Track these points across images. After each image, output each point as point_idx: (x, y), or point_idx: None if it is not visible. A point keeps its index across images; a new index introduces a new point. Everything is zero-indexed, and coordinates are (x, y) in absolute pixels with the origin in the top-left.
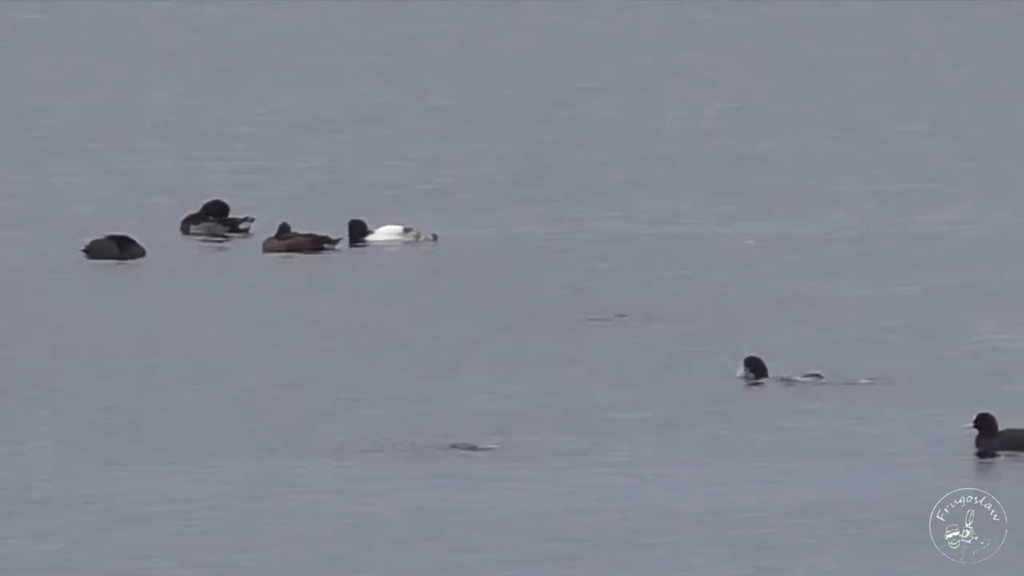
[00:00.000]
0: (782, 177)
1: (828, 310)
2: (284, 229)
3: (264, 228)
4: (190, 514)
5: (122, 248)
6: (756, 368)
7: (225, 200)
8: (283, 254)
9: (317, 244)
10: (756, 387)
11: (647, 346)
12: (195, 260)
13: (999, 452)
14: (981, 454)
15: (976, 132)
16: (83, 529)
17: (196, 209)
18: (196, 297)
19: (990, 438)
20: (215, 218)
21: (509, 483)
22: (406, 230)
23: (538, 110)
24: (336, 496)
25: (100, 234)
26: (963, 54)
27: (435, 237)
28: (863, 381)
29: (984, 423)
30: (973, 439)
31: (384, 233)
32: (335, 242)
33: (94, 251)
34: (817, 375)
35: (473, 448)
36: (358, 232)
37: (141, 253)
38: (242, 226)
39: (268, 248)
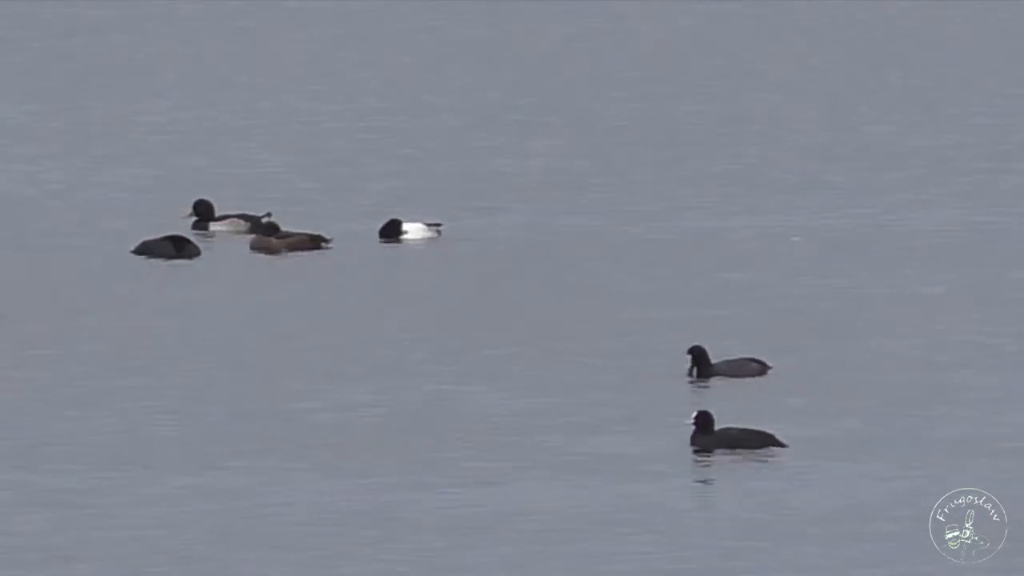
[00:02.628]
0: (829, 174)
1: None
2: (273, 227)
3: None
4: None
5: (178, 248)
6: (699, 358)
7: (209, 199)
8: (268, 252)
9: (316, 243)
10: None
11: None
12: (247, 258)
13: (714, 449)
14: (697, 450)
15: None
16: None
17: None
18: (275, 296)
19: (706, 435)
20: (230, 216)
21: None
22: (429, 226)
23: (586, 109)
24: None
25: (153, 235)
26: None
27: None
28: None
29: (701, 420)
30: (690, 436)
31: (416, 230)
32: (329, 240)
33: (149, 251)
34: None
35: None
36: (393, 230)
37: (196, 252)
38: (264, 220)
39: (260, 246)
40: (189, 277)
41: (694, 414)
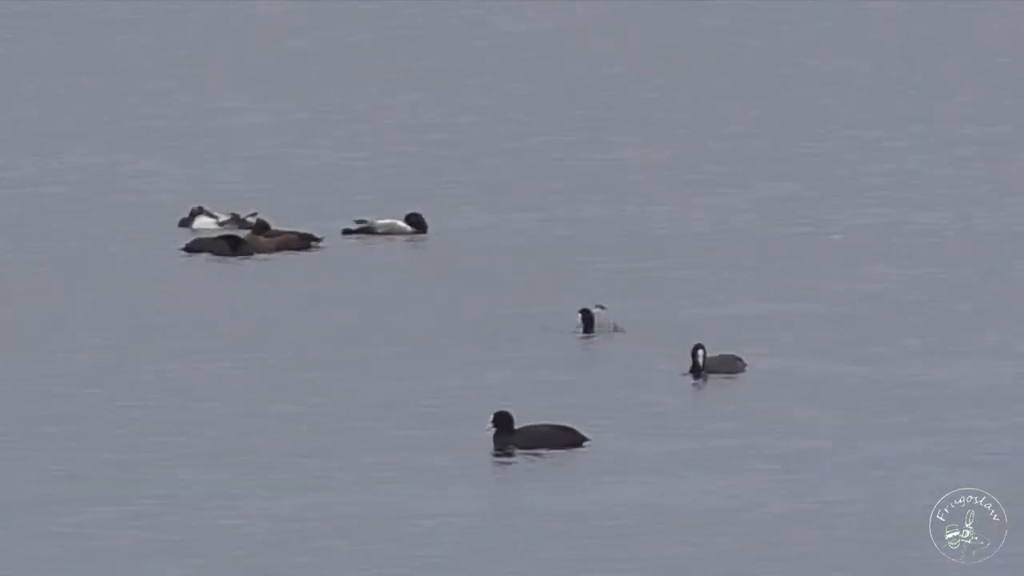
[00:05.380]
0: (864, 172)
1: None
2: (264, 226)
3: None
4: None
5: (233, 247)
6: (587, 322)
7: (204, 206)
8: (257, 251)
9: (305, 242)
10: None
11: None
12: (293, 256)
13: (515, 449)
14: (499, 451)
15: None
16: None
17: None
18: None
19: (506, 435)
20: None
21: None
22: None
23: (621, 110)
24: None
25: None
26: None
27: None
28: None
29: (501, 421)
30: (492, 437)
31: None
32: (320, 240)
33: (202, 249)
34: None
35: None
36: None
37: (251, 251)
38: (249, 219)
39: (251, 244)
40: (255, 274)
41: (491, 416)
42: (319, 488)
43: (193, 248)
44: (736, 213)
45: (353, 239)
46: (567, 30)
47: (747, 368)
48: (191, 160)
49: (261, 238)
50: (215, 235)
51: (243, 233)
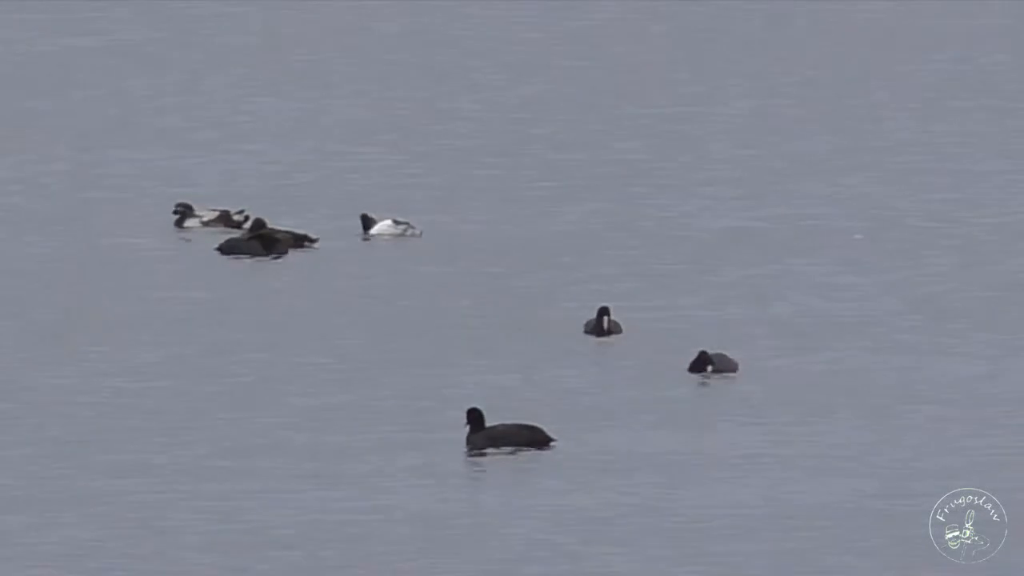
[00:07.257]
0: (883, 169)
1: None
2: (259, 226)
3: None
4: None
5: (267, 247)
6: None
7: (188, 202)
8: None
9: (299, 242)
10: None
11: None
12: (327, 256)
13: (485, 447)
14: (471, 449)
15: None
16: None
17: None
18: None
19: (478, 433)
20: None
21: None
22: (396, 223)
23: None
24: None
25: (240, 233)
26: None
27: (421, 232)
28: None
29: (473, 418)
30: (466, 434)
31: (381, 227)
32: (314, 240)
33: (235, 250)
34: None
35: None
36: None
37: (284, 251)
38: (236, 217)
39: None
40: (293, 273)
41: (466, 412)
42: (320, 488)
43: (226, 249)
44: (752, 212)
45: (357, 239)
46: (599, 27)
47: (740, 368)
48: (218, 159)
49: None
50: (247, 236)
51: (237, 233)
